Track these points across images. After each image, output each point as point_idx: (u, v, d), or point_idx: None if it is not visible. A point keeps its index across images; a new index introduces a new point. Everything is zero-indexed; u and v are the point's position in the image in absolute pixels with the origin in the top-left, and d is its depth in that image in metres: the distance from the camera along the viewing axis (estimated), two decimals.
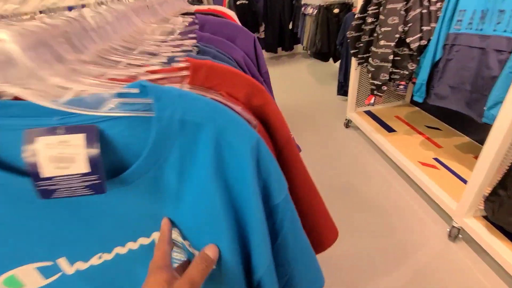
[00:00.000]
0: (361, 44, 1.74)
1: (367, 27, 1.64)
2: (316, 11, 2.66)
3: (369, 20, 1.62)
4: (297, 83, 3.15)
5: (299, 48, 3.85)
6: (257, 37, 3.31)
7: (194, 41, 0.46)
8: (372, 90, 1.64)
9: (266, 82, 0.58)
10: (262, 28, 3.72)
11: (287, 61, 3.95)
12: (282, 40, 3.75)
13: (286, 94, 2.88)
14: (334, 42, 2.53)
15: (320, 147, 1.99)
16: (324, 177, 1.70)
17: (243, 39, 0.59)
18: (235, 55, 0.52)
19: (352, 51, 1.84)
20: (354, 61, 1.93)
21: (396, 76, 1.53)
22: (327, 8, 2.56)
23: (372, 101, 1.68)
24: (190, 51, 0.44)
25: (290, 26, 3.58)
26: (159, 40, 0.44)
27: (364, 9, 1.66)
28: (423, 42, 1.34)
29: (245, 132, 0.31)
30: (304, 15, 2.95)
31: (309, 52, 2.92)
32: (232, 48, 0.53)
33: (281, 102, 2.69)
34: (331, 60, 2.87)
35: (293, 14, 3.42)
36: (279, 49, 3.87)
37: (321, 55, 2.75)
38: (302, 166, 0.45)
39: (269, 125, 0.41)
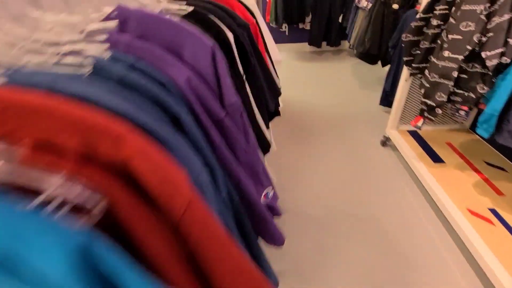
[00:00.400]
0: (418, 52, 1.41)
1: (430, 31, 1.31)
2: (371, 4, 2.29)
3: (434, 22, 1.29)
4: (337, 84, 2.83)
5: (346, 44, 3.46)
6: (302, 29, 3.03)
7: (102, 47, 0.27)
8: (422, 110, 1.33)
9: (232, 117, 0.37)
10: (308, 19, 3.40)
11: (331, 58, 3.60)
12: (328, 34, 3.39)
13: (321, 94, 2.59)
14: (386, 43, 2.16)
15: (347, 164, 1.72)
16: (344, 202, 1.45)
17: (194, 49, 0.37)
18: (176, 76, 0.32)
19: (405, 58, 1.51)
20: (405, 70, 1.60)
21: (458, 99, 1.20)
22: (385, 3, 2.19)
23: (419, 123, 1.36)
24: (80, 65, 0.25)
25: (340, 20, 3.21)
26: (49, 43, 0.26)
27: (430, 8, 1.33)
28: (506, 59, 1.00)
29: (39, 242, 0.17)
30: (357, 8, 2.59)
31: (355, 51, 2.58)
32: (169, 64, 0.33)
33: (314, 102, 2.42)
34: (379, 62, 2.50)
35: (345, 6, 3.04)
36: (324, 43, 3.53)
37: (369, 56, 2.39)
38: (228, 249, 0.26)
39: (147, 190, 0.22)
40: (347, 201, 1.47)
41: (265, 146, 0.70)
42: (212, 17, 0.57)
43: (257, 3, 4.29)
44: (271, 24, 3.38)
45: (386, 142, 1.87)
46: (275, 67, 0.98)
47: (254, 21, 0.73)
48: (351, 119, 2.20)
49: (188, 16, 0.51)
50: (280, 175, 1.66)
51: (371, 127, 2.08)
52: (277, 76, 0.94)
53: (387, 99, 2.15)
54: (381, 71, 2.80)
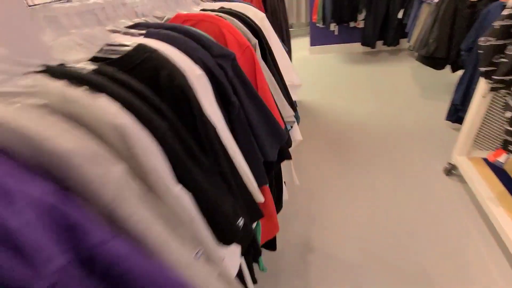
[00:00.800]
0: (505, 59, 1.05)
1: None
2: None
3: None
4: (393, 90, 2.43)
5: (405, 44, 2.99)
6: (353, 27, 2.70)
7: None
8: (506, 143, 0.97)
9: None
10: (361, 17, 3.03)
11: (387, 59, 3.15)
12: (385, 32, 2.98)
13: (372, 103, 2.24)
14: (458, 44, 1.74)
15: (396, 196, 1.41)
16: (388, 247, 1.17)
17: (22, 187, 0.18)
18: None
19: (483, 68, 1.15)
20: (483, 83, 1.22)
21: None
22: None
23: (502, 159, 1.00)
24: None
25: (400, 15, 2.77)
26: None
27: None
28: None
29: None
30: (421, 1, 2.17)
31: (416, 54, 2.16)
32: None
33: (362, 113, 2.12)
34: (448, 67, 2.04)
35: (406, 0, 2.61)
36: (380, 43, 3.11)
37: (434, 60, 1.96)
38: None
39: None
40: (392, 246, 1.18)
41: (255, 213, 0.52)
42: (171, 51, 0.41)
43: (305, 2, 4.02)
44: (317, 24, 3.10)
45: (451, 170, 1.49)
46: (293, 92, 0.78)
47: (250, 44, 0.54)
48: (408, 136, 1.83)
49: (118, 61, 0.36)
50: (310, 203, 1.43)
51: (432, 148, 1.70)
52: (292, 107, 0.74)
53: (456, 114, 1.73)
54: (450, 76, 2.32)
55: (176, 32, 0.44)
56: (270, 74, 0.63)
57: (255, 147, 0.52)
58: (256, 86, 0.56)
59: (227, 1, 0.77)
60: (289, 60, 0.77)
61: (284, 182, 1.07)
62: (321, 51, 3.46)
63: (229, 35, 0.53)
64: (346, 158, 1.71)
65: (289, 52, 2.23)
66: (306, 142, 1.91)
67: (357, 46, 3.30)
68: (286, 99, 0.70)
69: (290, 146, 0.69)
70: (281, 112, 0.66)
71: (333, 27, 3.22)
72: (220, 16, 0.56)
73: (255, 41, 0.59)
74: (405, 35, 2.64)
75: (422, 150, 1.70)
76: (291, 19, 4.25)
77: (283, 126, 0.60)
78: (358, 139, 1.86)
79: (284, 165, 0.98)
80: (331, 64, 3.18)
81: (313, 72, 3.03)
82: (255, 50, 0.60)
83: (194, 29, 0.46)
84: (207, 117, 0.41)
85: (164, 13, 0.60)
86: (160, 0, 0.60)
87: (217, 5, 0.69)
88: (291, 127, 0.75)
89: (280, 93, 0.66)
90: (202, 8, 0.67)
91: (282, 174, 0.99)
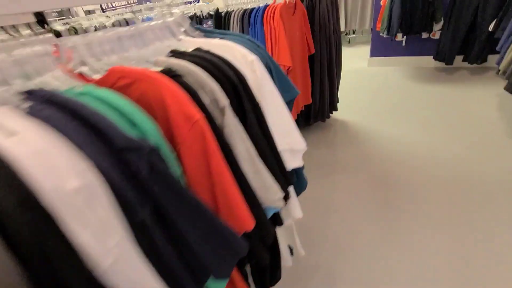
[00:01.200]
0: None
1: None
2: None
3: None
4: (470, 122, 1.95)
5: (494, 62, 2.40)
6: (426, 38, 2.28)
7: None
8: None
9: None
10: (438, 26, 2.54)
11: (467, 79, 2.58)
12: (468, 45, 2.44)
13: (441, 135, 1.82)
14: None
15: (456, 273, 1.06)
16: None
17: None
18: None
19: None
20: None
21: None
22: None
23: None
24: None
25: (491, 28, 2.22)
26: None
27: None
28: None
29: None
30: None
31: (505, 79, 1.67)
32: None
33: (425, 149, 1.72)
34: None
35: (502, 8, 2.07)
36: (459, 59, 2.57)
37: None
38: None
39: None
40: None
41: None
42: (37, 151, 0.26)
43: (371, 7, 3.59)
44: (381, 34, 2.70)
45: None
46: (294, 157, 0.58)
47: (200, 117, 0.36)
48: (484, 188, 1.40)
49: None
50: (333, 257, 1.16)
51: None
52: (286, 180, 0.53)
53: None
54: None
55: (64, 111, 0.30)
56: (248, 144, 0.45)
57: (185, 272, 0.35)
58: (210, 174, 0.38)
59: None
60: (289, 116, 0.56)
61: (290, 248, 0.87)
62: (382, 63, 3.03)
63: (173, 104, 0.36)
64: (391, 206, 1.38)
65: (338, 66, 1.96)
66: (341, 176, 1.63)
67: (428, 60, 2.80)
68: (277, 173, 0.50)
69: (270, 241, 0.49)
70: (262, 196, 0.47)
71: (401, 37, 2.77)
72: (172, 72, 0.40)
73: (223, 103, 0.41)
74: (494, 52, 2.10)
75: (503, 211, 1.27)
76: (353, 25, 3.86)
77: (249, 226, 0.41)
78: (411, 181, 1.51)
79: (285, 228, 0.78)
80: (392, 79, 2.75)
81: (368, 87, 2.66)
82: (224, 114, 0.42)
83: (91, 106, 0.31)
84: (73, 263, 0.26)
85: (125, 53, 0.45)
86: (110, 41, 0.46)
87: (197, 43, 0.53)
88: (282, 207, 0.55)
89: (261, 169, 0.46)
90: (175, 48, 0.51)
91: (285, 237, 0.79)
